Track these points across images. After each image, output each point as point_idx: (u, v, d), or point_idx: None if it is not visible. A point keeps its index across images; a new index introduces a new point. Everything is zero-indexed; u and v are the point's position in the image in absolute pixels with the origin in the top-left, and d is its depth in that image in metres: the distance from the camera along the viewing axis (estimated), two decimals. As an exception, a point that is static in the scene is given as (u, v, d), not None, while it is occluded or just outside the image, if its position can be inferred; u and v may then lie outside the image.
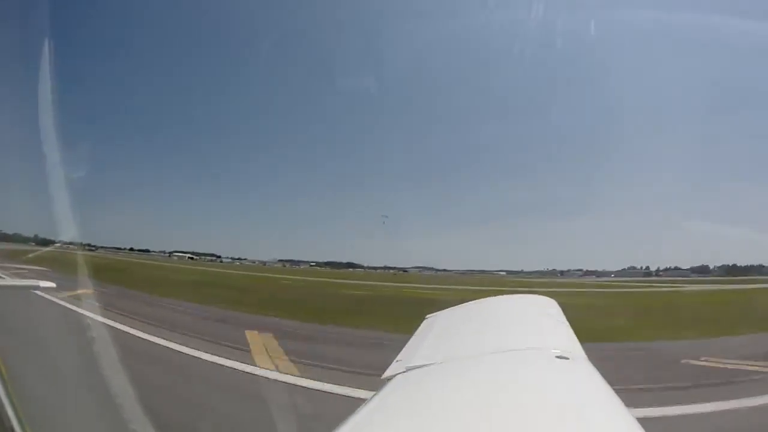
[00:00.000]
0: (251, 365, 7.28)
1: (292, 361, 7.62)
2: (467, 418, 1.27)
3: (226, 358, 7.56)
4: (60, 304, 11.29)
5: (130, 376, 5.56)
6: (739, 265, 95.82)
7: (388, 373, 1.94)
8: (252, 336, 9.74)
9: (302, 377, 6.66)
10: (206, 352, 7.84)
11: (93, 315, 10.55)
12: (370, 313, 16.21)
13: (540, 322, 2.75)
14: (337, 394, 5.88)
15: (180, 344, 8.43)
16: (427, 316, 3.22)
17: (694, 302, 24.53)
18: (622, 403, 1.27)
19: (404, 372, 1.89)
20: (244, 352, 8.21)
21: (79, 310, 11.04)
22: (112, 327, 9.65)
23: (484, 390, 1.57)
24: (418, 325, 2.79)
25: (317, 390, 6.10)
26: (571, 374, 1.66)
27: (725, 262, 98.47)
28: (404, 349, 2.35)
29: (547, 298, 3.36)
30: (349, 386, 6.06)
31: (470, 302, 3.53)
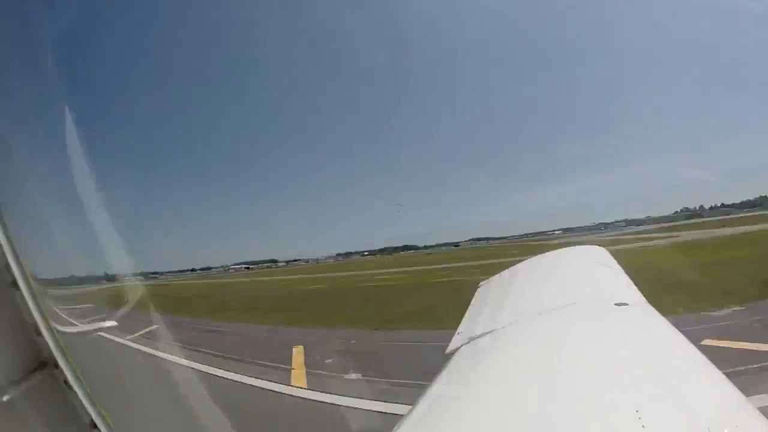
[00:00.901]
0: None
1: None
2: (541, 383, 1.28)
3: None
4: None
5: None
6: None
7: (451, 347, 2.01)
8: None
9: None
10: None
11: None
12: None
13: (594, 273, 2.79)
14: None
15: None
16: (481, 283, 3.36)
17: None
18: (691, 343, 1.34)
19: (467, 343, 1.93)
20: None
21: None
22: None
23: (551, 350, 1.59)
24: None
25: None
26: (632, 321, 1.69)
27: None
28: (463, 321, 2.45)
29: (597, 247, 3.41)
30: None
31: (521, 263, 3.67)
